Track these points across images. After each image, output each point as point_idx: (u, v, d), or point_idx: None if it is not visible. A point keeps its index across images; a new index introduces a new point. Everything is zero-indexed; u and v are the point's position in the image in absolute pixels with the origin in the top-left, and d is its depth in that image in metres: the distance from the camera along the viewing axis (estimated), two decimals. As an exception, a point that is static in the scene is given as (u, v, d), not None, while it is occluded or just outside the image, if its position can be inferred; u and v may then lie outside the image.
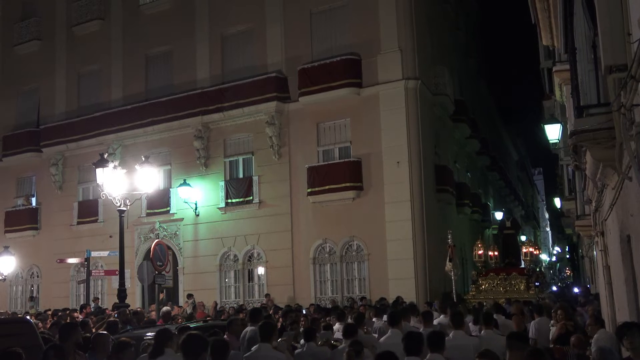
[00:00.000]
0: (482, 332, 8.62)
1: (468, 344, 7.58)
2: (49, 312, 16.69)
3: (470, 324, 10.80)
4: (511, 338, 6.00)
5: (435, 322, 10.44)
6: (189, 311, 18.77)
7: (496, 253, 22.44)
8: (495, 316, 10.02)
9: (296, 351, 8.25)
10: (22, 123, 28.94)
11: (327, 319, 12.06)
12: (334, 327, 10.64)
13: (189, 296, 21.21)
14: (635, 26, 4.66)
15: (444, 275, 22.07)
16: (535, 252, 29.59)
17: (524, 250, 25.68)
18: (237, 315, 15.48)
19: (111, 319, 12.06)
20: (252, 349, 7.34)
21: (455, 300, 16.94)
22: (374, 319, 12.50)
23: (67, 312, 16.87)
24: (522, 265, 22.68)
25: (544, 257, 62.36)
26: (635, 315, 7.01)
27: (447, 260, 17.71)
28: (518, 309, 12.69)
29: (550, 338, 10.15)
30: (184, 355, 5.45)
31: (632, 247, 6.70)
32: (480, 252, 21.69)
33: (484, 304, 16.46)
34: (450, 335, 7.81)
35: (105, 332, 8.17)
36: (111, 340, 7.19)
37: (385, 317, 11.06)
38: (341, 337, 8.98)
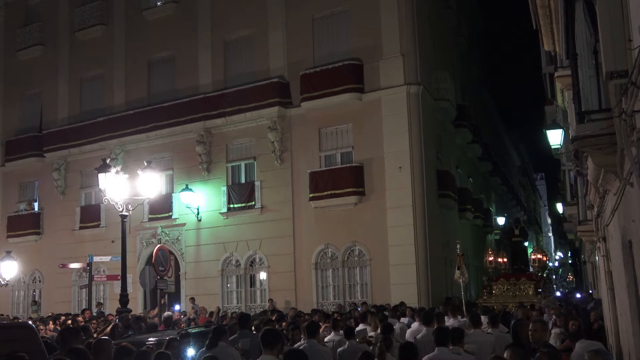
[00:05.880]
0: (490, 330, 9.67)
1: (486, 340, 9.03)
2: (63, 318, 16.42)
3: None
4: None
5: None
6: (190, 317, 18.77)
7: (505, 259, 22.69)
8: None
9: (339, 349, 9.02)
10: (24, 128, 29.01)
11: (351, 320, 12.31)
12: (361, 328, 11.20)
13: (192, 300, 21.39)
14: (636, 32, 4.67)
15: (445, 281, 22.14)
16: (543, 259, 29.79)
17: (533, 257, 25.84)
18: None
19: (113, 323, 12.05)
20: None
21: (457, 304, 17.05)
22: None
23: (70, 317, 16.85)
24: (530, 271, 22.87)
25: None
26: (637, 320, 6.99)
27: (456, 268, 18.02)
28: (524, 314, 12.68)
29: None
30: (263, 346, 6.05)
31: (633, 253, 6.69)
32: (491, 258, 22.00)
33: (510, 309, 16.93)
34: (470, 332, 9.04)
35: (107, 337, 8.16)
36: (113, 346, 7.19)
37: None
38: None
